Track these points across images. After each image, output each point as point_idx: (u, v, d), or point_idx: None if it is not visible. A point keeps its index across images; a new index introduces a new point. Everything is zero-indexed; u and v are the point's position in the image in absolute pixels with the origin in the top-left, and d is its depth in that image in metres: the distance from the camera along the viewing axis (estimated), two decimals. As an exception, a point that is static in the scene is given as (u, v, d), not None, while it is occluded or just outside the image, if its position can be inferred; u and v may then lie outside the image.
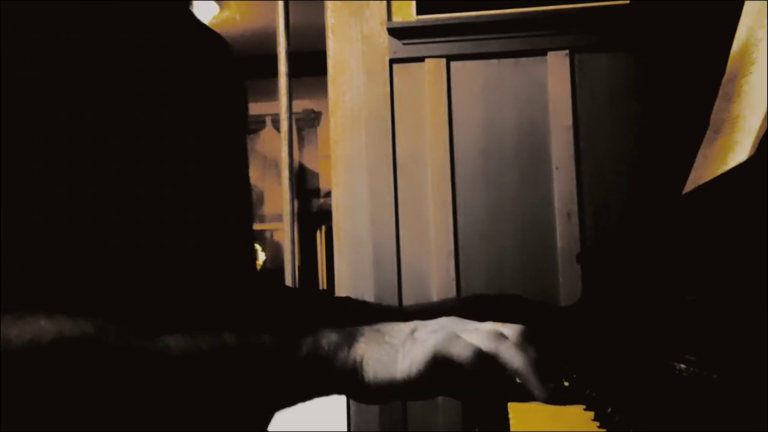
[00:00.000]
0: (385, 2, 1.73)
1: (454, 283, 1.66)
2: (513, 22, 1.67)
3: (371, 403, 0.61)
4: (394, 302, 1.67)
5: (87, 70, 0.59)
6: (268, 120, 5.08)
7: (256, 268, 0.90)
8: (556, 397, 0.60)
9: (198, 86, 0.73)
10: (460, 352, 0.58)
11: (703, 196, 0.80)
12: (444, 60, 1.70)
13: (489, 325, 0.62)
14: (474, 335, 0.60)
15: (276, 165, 4.55)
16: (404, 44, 1.71)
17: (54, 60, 0.57)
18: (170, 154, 0.66)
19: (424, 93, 1.71)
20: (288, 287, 1.57)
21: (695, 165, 1.04)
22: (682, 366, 0.68)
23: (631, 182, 1.64)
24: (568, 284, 1.61)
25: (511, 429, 0.56)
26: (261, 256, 5.25)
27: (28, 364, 0.48)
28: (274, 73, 2.11)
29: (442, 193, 1.68)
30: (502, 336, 0.60)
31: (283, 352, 0.58)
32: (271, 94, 2.41)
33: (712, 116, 1.03)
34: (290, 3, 2.13)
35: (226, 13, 4.17)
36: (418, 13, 1.70)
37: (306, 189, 5.27)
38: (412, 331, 0.61)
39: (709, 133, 1.03)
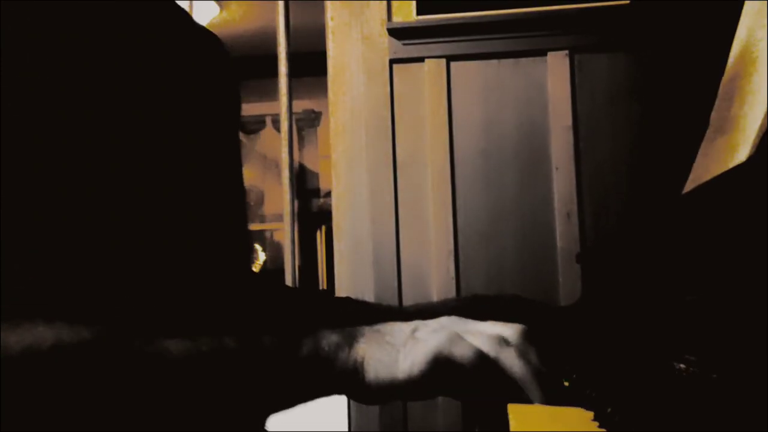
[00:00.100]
0: (385, 2, 1.73)
1: (454, 283, 1.66)
2: (513, 22, 1.67)
3: (372, 404, 0.61)
4: (394, 302, 1.67)
5: (87, 70, 0.59)
6: (269, 120, 5.08)
7: (253, 267, 0.90)
8: (556, 397, 0.60)
9: (194, 85, 0.74)
10: (462, 353, 0.58)
11: (703, 196, 0.80)
12: (444, 60, 1.70)
13: (490, 326, 0.62)
14: (477, 338, 0.60)
15: (276, 165, 4.56)
16: (404, 44, 1.71)
17: (54, 60, 0.57)
18: (169, 154, 0.66)
19: (424, 93, 1.71)
20: (288, 287, 1.57)
21: (695, 165, 1.04)
22: (682, 366, 0.68)
23: (631, 182, 1.64)
24: (568, 284, 1.61)
25: (511, 429, 0.56)
26: (261, 256, 5.25)
27: (27, 370, 0.48)
28: (274, 73, 2.11)
29: (442, 193, 1.68)
30: (504, 341, 0.60)
31: (284, 354, 0.58)
32: (271, 94, 2.41)
33: (712, 116, 1.03)
34: (290, 3, 2.14)
35: (226, 14, 4.17)
36: (418, 13, 1.70)
37: (306, 189, 5.27)
38: (413, 331, 0.61)
39: (709, 133, 1.03)
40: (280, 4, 2.10)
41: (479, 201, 1.68)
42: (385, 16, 1.73)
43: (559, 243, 1.64)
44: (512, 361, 0.59)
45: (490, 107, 1.70)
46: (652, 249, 0.92)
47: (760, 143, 0.83)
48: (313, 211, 5.27)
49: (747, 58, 0.95)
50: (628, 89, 1.66)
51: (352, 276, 1.70)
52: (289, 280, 2.10)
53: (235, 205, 0.81)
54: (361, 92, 1.73)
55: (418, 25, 1.69)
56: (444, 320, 0.63)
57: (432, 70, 1.70)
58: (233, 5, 4.12)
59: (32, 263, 0.54)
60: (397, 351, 0.59)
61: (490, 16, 1.67)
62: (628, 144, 1.65)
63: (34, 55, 0.56)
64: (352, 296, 1.02)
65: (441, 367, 0.58)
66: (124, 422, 0.51)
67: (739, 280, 0.61)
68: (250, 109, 4.53)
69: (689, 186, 1.04)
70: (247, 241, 0.85)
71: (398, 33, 1.71)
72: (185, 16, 0.77)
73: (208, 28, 0.83)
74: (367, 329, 0.61)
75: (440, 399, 1.61)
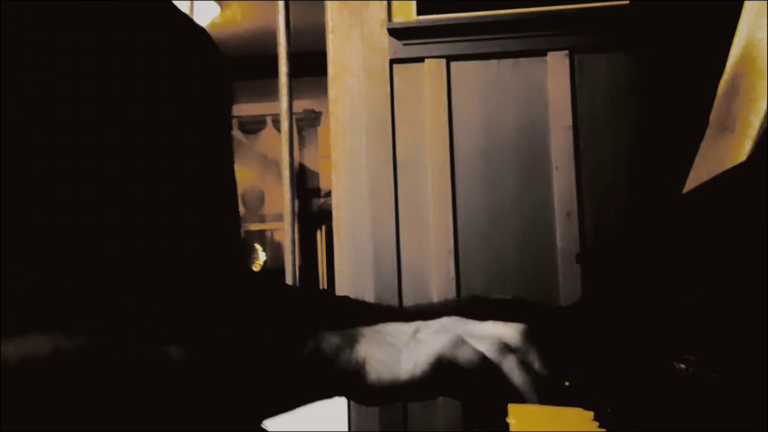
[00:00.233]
0: (385, 2, 1.73)
1: (454, 282, 1.66)
2: (513, 23, 1.67)
3: (373, 405, 0.60)
4: (394, 302, 1.67)
5: (86, 69, 0.59)
6: (269, 120, 5.08)
7: (252, 266, 0.91)
8: (556, 398, 0.60)
9: (190, 85, 0.74)
10: (465, 356, 0.58)
11: (703, 196, 0.80)
12: (444, 60, 1.70)
13: (492, 326, 0.62)
14: (480, 342, 0.60)
15: (276, 165, 4.55)
16: (404, 44, 1.71)
17: (54, 60, 0.57)
18: (168, 154, 0.66)
19: (424, 93, 1.71)
20: (288, 286, 1.57)
21: (695, 165, 1.04)
22: (682, 366, 0.68)
23: (631, 182, 1.64)
24: (568, 284, 1.61)
25: (511, 429, 0.56)
26: (262, 256, 5.24)
27: (25, 379, 0.48)
28: (275, 73, 2.11)
29: (442, 193, 1.68)
30: (507, 346, 0.60)
31: (285, 355, 0.58)
32: (272, 94, 2.41)
33: (712, 116, 1.03)
34: (290, 3, 2.14)
35: (227, 14, 4.17)
36: (418, 13, 1.71)
37: (306, 189, 5.26)
38: (415, 332, 0.61)
39: (708, 133, 1.03)
40: (281, 4, 2.10)
41: (479, 201, 1.68)
42: (385, 16, 1.73)
43: (559, 243, 1.64)
44: (514, 370, 0.59)
45: (490, 107, 1.70)
46: (652, 249, 0.92)
47: (760, 143, 0.83)
48: (313, 211, 5.27)
49: (747, 58, 0.95)
50: (628, 89, 1.66)
51: (352, 276, 1.70)
52: (289, 280, 2.10)
53: (229, 204, 0.81)
54: (361, 92, 1.73)
55: (418, 25, 1.69)
56: (445, 321, 0.62)
57: (432, 70, 1.70)
58: (233, 5, 4.12)
59: (32, 263, 0.54)
60: (399, 352, 0.59)
61: (490, 16, 1.67)
62: (628, 144, 1.65)
63: (34, 55, 0.56)
64: (352, 296, 1.02)
65: (443, 369, 0.58)
66: (124, 426, 0.51)
67: (739, 280, 0.61)
68: (250, 109, 4.52)
69: (689, 186, 1.04)
70: (241, 240, 0.85)
71: (398, 33, 1.71)
72: (180, 14, 0.77)
73: (206, 27, 0.83)
74: (367, 330, 0.61)
75: (440, 399, 1.61)
